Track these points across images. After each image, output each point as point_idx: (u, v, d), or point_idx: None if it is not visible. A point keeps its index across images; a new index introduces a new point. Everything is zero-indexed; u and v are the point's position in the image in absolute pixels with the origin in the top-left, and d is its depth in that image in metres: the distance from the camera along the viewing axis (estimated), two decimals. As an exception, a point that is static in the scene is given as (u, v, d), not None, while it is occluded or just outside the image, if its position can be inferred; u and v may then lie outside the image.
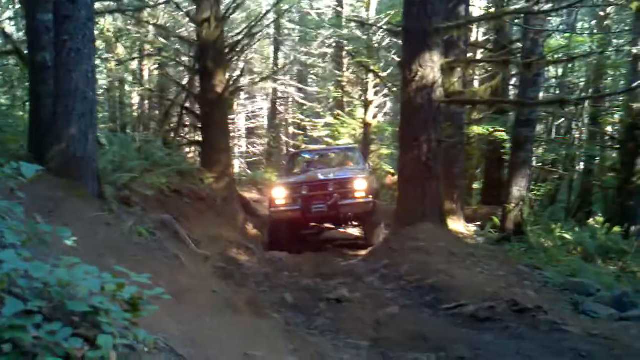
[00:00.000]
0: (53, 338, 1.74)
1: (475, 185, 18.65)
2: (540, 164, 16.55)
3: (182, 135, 14.12)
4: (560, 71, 20.99)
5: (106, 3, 13.46)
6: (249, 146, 26.99)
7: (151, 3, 15.90)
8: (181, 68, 18.38)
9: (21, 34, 15.61)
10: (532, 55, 10.55)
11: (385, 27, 16.34)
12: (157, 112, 18.90)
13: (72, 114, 6.12)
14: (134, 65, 19.85)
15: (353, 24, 20.36)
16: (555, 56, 13.85)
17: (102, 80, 19.89)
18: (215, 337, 4.08)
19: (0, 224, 2.21)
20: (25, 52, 8.23)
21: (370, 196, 10.08)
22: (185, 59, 16.01)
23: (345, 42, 21.72)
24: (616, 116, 17.01)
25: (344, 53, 22.46)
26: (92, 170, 6.29)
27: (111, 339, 1.79)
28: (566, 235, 11.07)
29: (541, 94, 15.04)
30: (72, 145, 6.11)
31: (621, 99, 15.86)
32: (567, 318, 5.51)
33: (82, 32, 6.12)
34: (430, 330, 5.11)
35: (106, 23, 17.44)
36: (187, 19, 15.80)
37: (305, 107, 26.51)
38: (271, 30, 25.12)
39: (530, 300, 6.03)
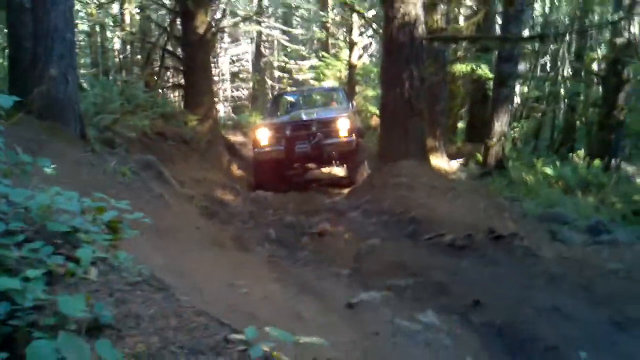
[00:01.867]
0: (35, 255, 1.83)
1: (460, 124, 18.75)
2: (524, 101, 16.61)
3: (164, 78, 14.00)
4: (547, 9, 20.85)
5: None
6: (234, 90, 26.81)
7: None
8: (163, 11, 18.12)
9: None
10: (515, -10, 10.52)
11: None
12: (139, 57, 18.65)
13: (52, 55, 6.11)
14: (115, 9, 19.51)
15: (336, -37, 20.06)
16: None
17: (82, 26, 19.57)
18: (200, 269, 4.22)
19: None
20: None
21: (354, 135, 10.13)
22: (166, 0, 15.76)
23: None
24: (599, 52, 17.02)
25: (329, -7, 22.18)
26: (74, 112, 6.30)
27: (90, 252, 1.88)
28: (547, 170, 11.25)
29: (526, 32, 15.01)
30: (53, 86, 6.12)
31: (607, 35, 15.86)
32: (542, 245, 5.71)
33: (59, -29, 6.06)
34: (409, 259, 5.27)
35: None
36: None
37: (289, 50, 26.27)
38: (254, -29, 24.68)
39: (508, 229, 6.20)
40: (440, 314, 3.92)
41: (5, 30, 8.51)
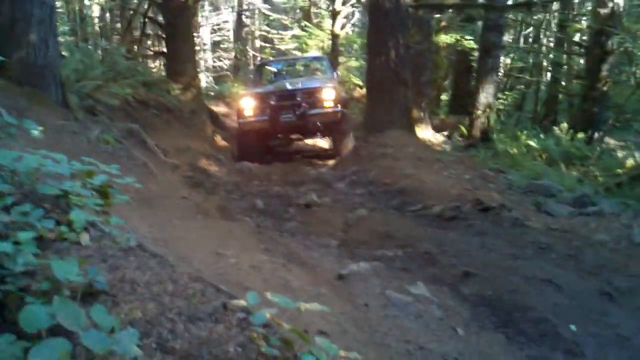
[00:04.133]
0: (25, 219, 1.76)
1: (444, 97, 18.72)
2: (508, 72, 16.57)
3: (146, 46, 13.75)
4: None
5: None
6: (215, 60, 26.49)
7: None
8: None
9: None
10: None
11: None
12: (118, 24, 18.30)
13: (31, 20, 5.95)
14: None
15: None
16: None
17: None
18: (187, 238, 4.14)
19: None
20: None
21: (339, 105, 9.99)
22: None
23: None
24: (583, 22, 17.00)
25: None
26: (55, 78, 6.17)
27: (83, 215, 1.81)
28: (531, 142, 11.27)
29: (510, 2, 14.92)
30: (33, 52, 5.98)
31: (589, 7, 15.84)
32: (529, 216, 5.70)
33: None
34: (397, 229, 5.25)
35: None
36: None
37: (271, 19, 25.97)
38: None
39: (495, 201, 6.20)
40: (430, 285, 3.90)
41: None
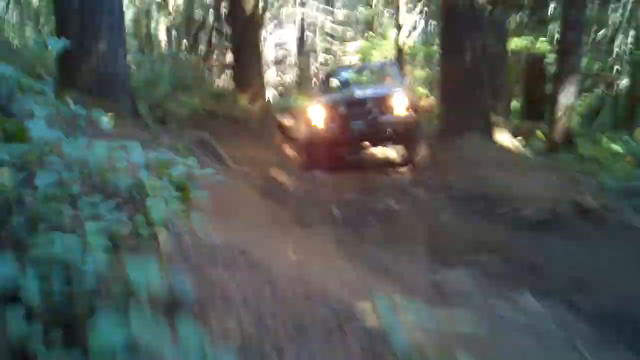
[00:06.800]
0: (94, 212, 1.48)
1: (514, 103, 18.03)
2: (585, 73, 15.73)
3: (212, 58, 13.79)
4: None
5: None
6: (279, 74, 26.53)
7: None
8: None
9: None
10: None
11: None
12: (185, 41, 18.48)
13: (100, 29, 5.89)
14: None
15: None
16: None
17: (128, 12, 19.48)
18: (264, 244, 3.88)
19: (29, 99, 1.93)
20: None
21: (411, 111, 9.61)
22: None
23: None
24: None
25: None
26: (124, 87, 6.09)
27: (162, 207, 1.51)
28: (615, 145, 10.60)
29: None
30: (102, 61, 5.93)
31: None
32: (632, 218, 5.18)
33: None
34: (488, 235, 4.84)
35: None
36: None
37: (335, 32, 25.88)
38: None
39: (591, 203, 5.68)
40: (537, 296, 3.47)
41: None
